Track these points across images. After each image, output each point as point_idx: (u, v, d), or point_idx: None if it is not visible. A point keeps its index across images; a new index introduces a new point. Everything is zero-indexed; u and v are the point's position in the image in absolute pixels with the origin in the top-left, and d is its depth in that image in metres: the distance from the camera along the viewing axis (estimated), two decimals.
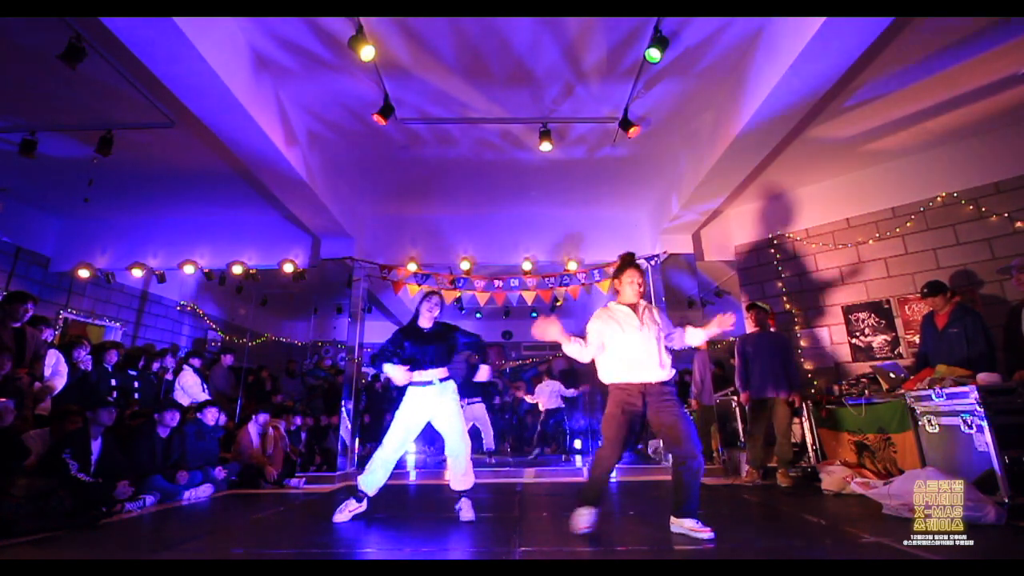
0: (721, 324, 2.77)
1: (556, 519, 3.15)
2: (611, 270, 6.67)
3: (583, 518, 2.67)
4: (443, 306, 3.64)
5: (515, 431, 9.27)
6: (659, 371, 2.76)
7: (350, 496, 3.37)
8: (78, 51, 3.44)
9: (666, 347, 2.85)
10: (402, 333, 3.52)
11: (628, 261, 3.01)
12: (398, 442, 3.37)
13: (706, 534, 2.49)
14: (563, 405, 7.84)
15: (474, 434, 7.89)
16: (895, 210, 5.47)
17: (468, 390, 7.95)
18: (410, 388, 3.43)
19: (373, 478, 3.34)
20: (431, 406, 3.41)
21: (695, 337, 2.89)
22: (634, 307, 2.90)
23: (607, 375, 2.86)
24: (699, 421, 6.14)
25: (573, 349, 2.86)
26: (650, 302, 3.00)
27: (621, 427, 2.71)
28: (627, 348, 2.79)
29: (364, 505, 3.35)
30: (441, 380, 3.44)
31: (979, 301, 4.77)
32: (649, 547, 2.48)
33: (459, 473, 3.37)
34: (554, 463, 6.73)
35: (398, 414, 3.41)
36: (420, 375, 3.42)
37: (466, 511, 3.26)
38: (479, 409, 7.80)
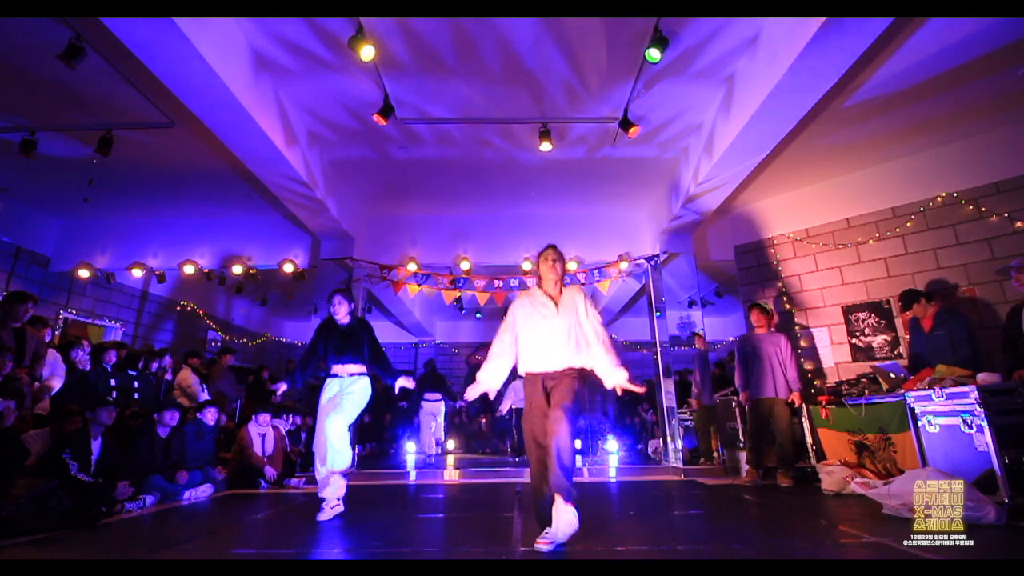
0: (631, 385, 2.65)
1: None
2: (611, 270, 6.68)
3: (547, 537, 2.39)
4: (349, 302, 3.77)
5: (515, 431, 9.26)
6: (567, 356, 2.64)
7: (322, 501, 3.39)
8: (78, 51, 3.44)
9: (585, 335, 2.70)
10: (320, 328, 3.75)
11: (549, 246, 2.90)
12: (320, 438, 3.47)
13: (543, 546, 2.36)
14: None
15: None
16: (895, 210, 5.47)
17: (428, 386, 7.96)
18: (327, 380, 3.63)
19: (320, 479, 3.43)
20: (336, 397, 3.55)
21: (607, 373, 2.68)
22: (554, 296, 2.79)
23: (521, 364, 2.76)
24: (699, 421, 6.15)
25: (482, 376, 2.78)
26: (583, 291, 2.84)
27: (539, 420, 2.59)
28: (539, 336, 2.70)
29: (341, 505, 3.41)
30: (350, 375, 3.60)
31: (964, 303, 4.78)
32: (649, 547, 2.48)
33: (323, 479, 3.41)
34: None
35: (320, 408, 3.55)
36: (335, 368, 3.62)
37: (326, 512, 3.28)
38: (438, 407, 7.79)
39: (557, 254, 2.85)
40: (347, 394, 3.52)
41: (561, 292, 2.84)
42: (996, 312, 4.62)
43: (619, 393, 2.69)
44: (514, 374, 2.85)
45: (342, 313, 3.73)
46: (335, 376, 3.61)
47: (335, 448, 3.38)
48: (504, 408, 7.63)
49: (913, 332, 4.38)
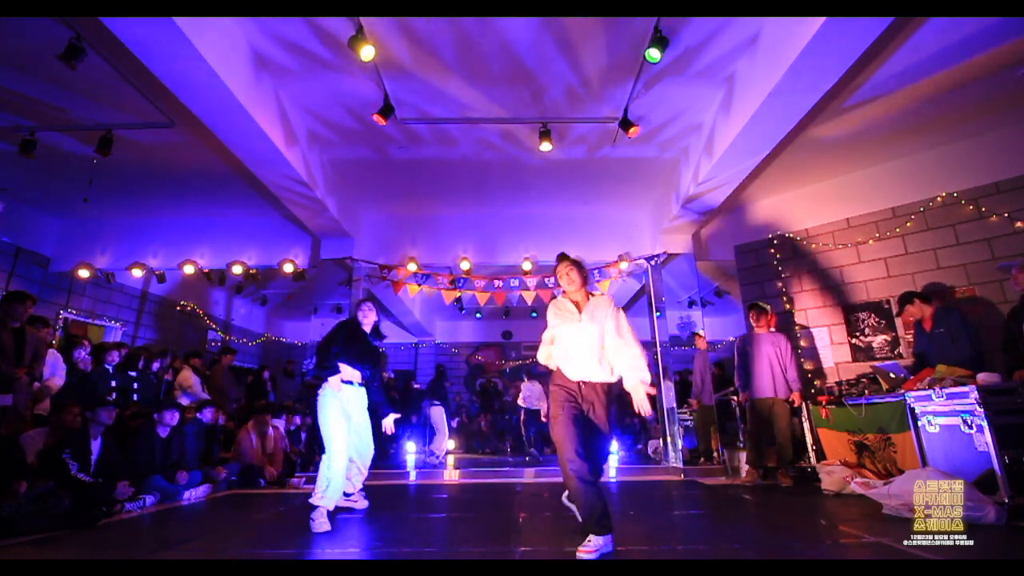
0: (641, 405, 2.52)
1: (556, 519, 3.15)
2: (611, 270, 6.68)
3: (590, 545, 2.29)
4: (377, 312, 3.85)
5: (515, 431, 9.26)
6: (598, 370, 2.62)
7: (313, 510, 3.12)
8: (78, 51, 3.44)
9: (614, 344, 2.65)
10: (345, 326, 3.65)
11: (559, 257, 2.89)
12: (344, 445, 3.32)
13: (586, 554, 2.24)
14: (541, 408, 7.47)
15: (431, 435, 7.92)
16: (895, 210, 5.47)
17: (434, 392, 7.99)
18: (331, 388, 3.39)
19: (333, 492, 3.21)
20: (350, 405, 3.50)
21: (629, 369, 2.58)
22: (578, 302, 2.76)
23: (555, 362, 2.74)
24: (699, 421, 6.15)
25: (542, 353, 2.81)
26: (615, 302, 2.79)
27: (567, 425, 2.50)
28: (567, 342, 2.68)
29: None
30: (359, 384, 3.58)
31: (963, 302, 4.80)
32: (649, 547, 2.48)
33: (363, 476, 3.71)
34: (552, 463, 6.72)
35: (330, 419, 3.30)
36: (347, 373, 3.48)
37: (362, 501, 3.69)
38: (437, 412, 7.78)
39: (569, 264, 2.80)
40: (363, 404, 3.63)
41: (588, 298, 2.78)
42: (998, 310, 4.62)
43: (644, 393, 2.52)
44: (530, 375, 2.87)
45: (369, 321, 3.77)
46: (348, 382, 3.49)
47: (363, 477, 3.72)
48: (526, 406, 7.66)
49: (917, 333, 4.41)
